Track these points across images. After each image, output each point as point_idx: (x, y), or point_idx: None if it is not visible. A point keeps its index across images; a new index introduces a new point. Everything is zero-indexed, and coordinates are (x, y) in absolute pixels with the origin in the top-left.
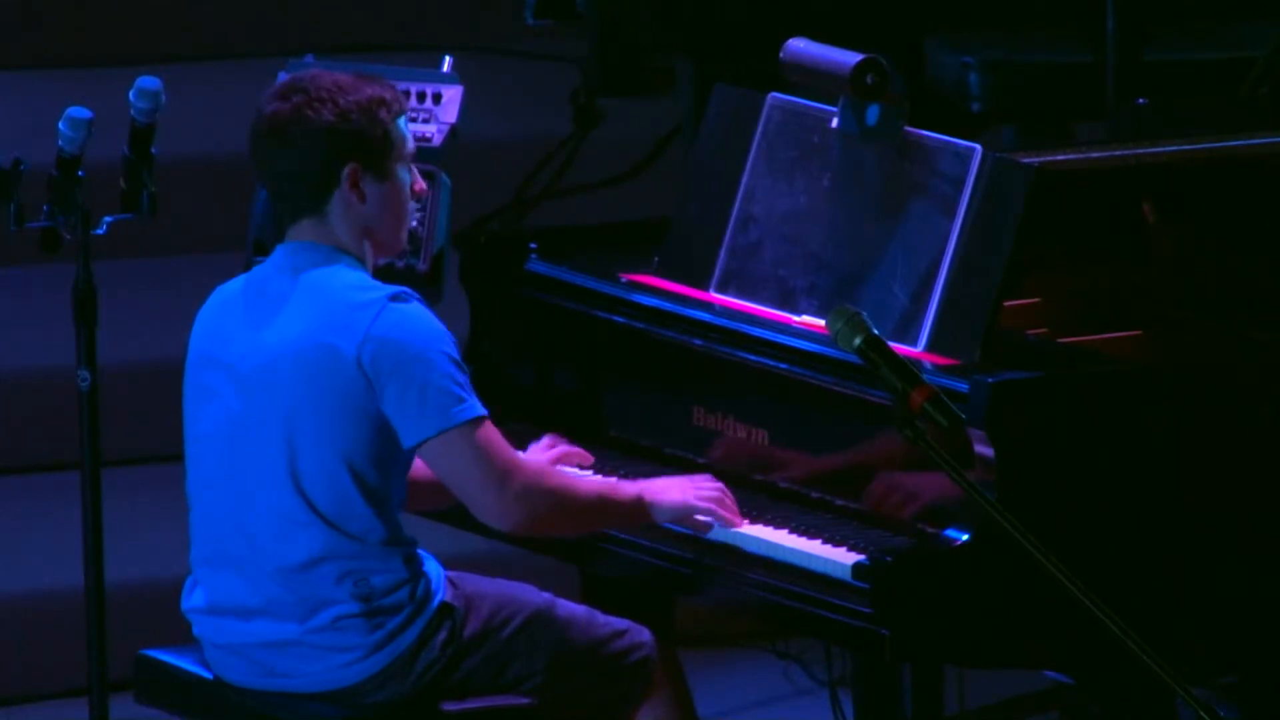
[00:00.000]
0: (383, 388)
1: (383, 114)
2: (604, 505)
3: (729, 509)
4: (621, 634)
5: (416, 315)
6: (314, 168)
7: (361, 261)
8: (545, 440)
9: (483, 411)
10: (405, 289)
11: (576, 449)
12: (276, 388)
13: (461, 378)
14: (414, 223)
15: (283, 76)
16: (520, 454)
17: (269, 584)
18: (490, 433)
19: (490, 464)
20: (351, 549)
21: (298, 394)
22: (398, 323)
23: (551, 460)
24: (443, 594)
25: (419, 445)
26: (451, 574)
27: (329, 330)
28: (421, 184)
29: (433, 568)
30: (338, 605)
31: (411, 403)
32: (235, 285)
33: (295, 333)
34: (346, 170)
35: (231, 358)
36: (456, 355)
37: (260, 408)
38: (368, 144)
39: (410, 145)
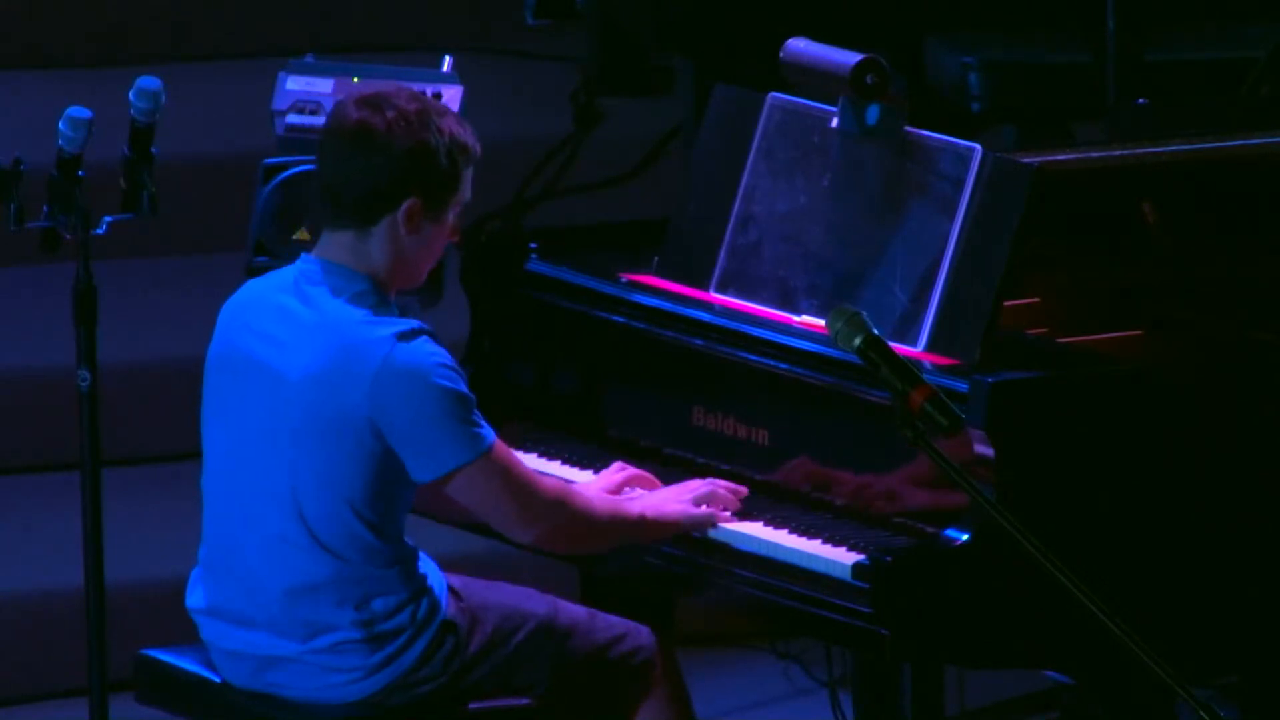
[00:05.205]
0: (391, 427)
1: (462, 159)
2: (618, 524)
3: (730, 494)
4: (622, 638)
5: (423, 353)
6: (381, 187)
7: (387, 288)
8: (614, 466)
9: (493, 439)
10: (413, 322)
11: (644, 473)
12: (284, 423)
13: (470, 410)
14: None
15: (282, 76)
16: (536, 471)
17: (270, 603)
18: (504, 456)
19: (509, 487)
20: (352, 574)
21: (304, 435)
22: (405, 363)
23: (619, 483)
24: (445, 610)
25: (434, 482)
26: (455, 580)
27: (339, 371)
28: (458, 233)
29: (434, 580)
30: (339, 631)
31: (422, 441)
32: (267, 288)
33: (310, 370)
34: (408, 202)
35: (250, 370)
36: (463, 388)
37: (270, 436)
38: (438, 184)
39: (468, 195)
